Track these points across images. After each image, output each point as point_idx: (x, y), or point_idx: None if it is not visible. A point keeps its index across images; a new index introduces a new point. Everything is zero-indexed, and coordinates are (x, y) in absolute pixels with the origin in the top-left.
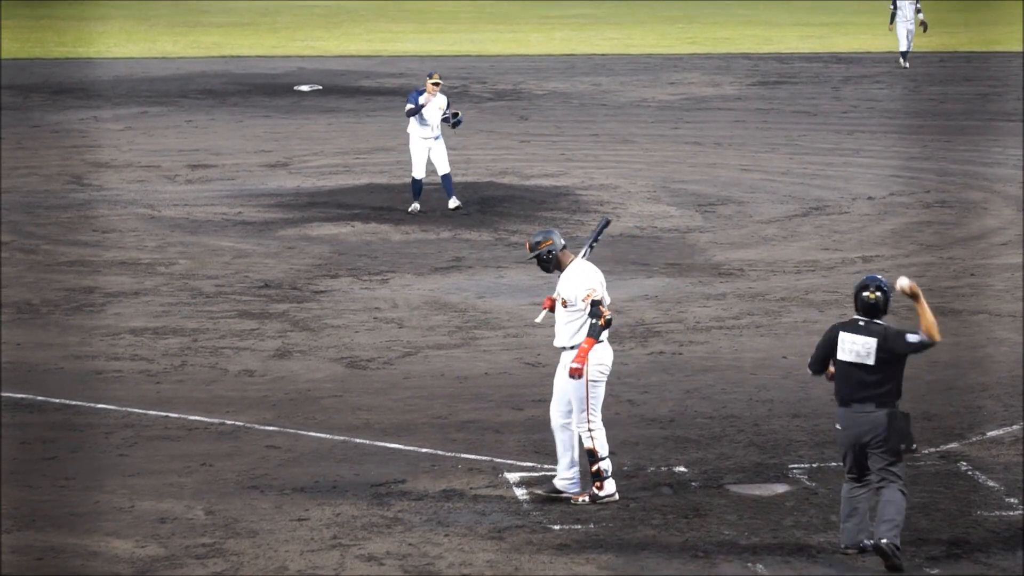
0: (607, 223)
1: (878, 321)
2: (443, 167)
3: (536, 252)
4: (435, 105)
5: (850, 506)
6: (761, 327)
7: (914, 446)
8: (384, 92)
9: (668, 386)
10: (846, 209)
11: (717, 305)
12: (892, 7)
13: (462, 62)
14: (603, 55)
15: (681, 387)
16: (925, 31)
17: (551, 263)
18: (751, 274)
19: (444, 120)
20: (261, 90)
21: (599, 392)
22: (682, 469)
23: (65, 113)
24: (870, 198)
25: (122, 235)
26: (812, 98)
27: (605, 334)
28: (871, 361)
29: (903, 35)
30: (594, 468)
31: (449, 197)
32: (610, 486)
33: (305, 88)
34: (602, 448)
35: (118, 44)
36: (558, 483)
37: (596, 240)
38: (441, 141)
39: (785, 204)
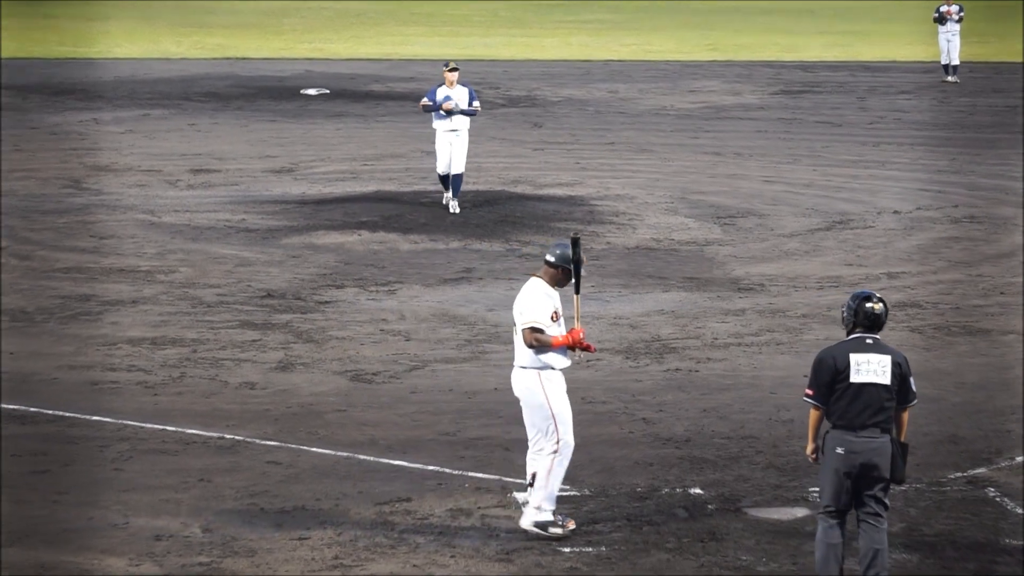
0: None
1: (879, 338)
2: (458, 166)
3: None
4: (455, 97)
5: (826, 551)
6: (782, 344)
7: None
8: (394, 97)
9: (684, 404)
10: (871, 223)
11: (736, 321)
12: (936, 14)
13: (474, 67)
14: (620, 61)
15: (698, 406)
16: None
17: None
18: (772, 289)
19: (464, 113)
20: (267, 93)
21: None
22: (698, 491)
23: (64, 115)
24: (896, 212)
25: (121, 241)
26: (837, 108)
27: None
28: (887, 380)
29: (944, 47)
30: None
31: (452, 198)
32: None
33: (312, 92)
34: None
35: (119, 44)
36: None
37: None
38: (463, 138)
39: (808, 217)
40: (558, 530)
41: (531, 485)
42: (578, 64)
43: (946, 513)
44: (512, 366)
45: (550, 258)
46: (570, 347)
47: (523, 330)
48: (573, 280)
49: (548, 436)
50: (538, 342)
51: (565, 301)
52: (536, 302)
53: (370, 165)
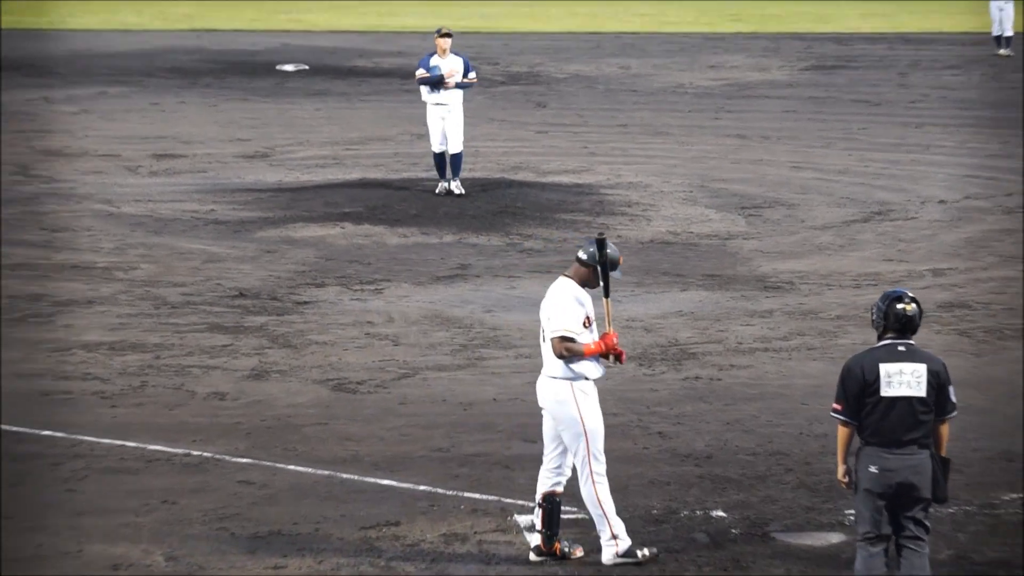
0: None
1: (914, 343)
2: (454, 144)
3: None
4: (447, 67)
5: None
6: (814, 349)
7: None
8: (380, 73)
9: (705, 416)
10: (914, 214)
11: (762, 323)
12: None
13: (471, 40)
14: (633, 33)
15: (720, 418)
16: None
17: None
18: (802, 288)
19: (460, 86)
20: (238, 69)
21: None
22: (720, 514)
23: (10, 93)
24: (942, 202)
25: (75, 234)
26: (875, 85)
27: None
28: (923, 392)
29: (995, 16)
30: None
31: (452, 179)
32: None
33: (289, 68)
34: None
35: (73, 14)
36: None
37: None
38: (456, 114)
39: (842, 208)
40: (645, 551)
41: (539, 506)
42: (586, 37)
43: (1000, 538)
44: (519, 371)
45: (582, 255)
46: (603, 354)
47: (552, 339)
48: (602, 284)
49: (578, 456)
50: (569, 352)
51: (596, 300)
52: (566, 308)
53: (354, 150)
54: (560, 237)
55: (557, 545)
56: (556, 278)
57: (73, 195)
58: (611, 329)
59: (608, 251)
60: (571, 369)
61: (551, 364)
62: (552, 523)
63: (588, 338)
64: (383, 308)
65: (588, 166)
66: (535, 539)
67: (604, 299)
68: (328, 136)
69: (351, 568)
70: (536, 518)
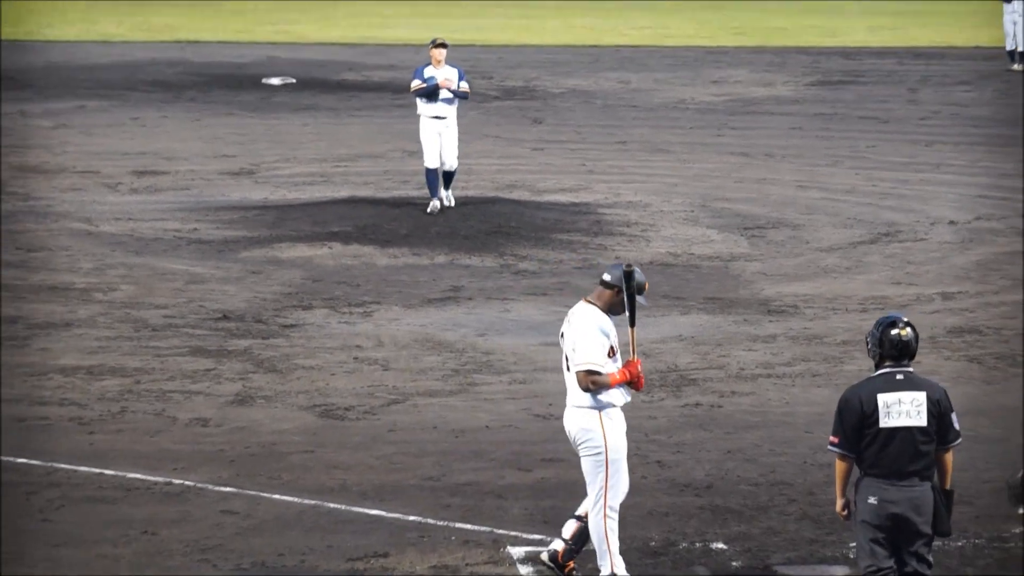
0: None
1: (912, 370)
2: (450, 161)
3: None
4: (442, 78)
5: None
6: (818, 376)
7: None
8: (370, 87)
9: (705, 445)
10: (923, 235)
11: (765, 349)
12: None
13: (464, 53)
14: (633, 47)
15: (721, 446)
16: None
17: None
18: (807, 312)
19: (455, 95)
20: (223, 82)
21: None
22: (721, 546)
23: None
24: (952, 222)
25: (52, 254)
26: (884, 101)
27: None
28: (923, 421)
29: (1009, 29)
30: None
31: (444, 189)
32: None
33: (276, 81)
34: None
35: (51, 24)
36: None
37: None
38: (452, 127)
39: (849, 228)
40: None
41: (576, 518)
42: (584, 50)
43: (1010, 573)
44: (513, 397)
45: (607, 277)
46: (628, 382)
47: (578, 373)
48: (628, 314)
49: (594, 485)
50: (595, 385)
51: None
52: (591, 340)
53: (343, 167)
54: (556, 258)
55: (571, 564)
56: (577, 302)
57: (50, 213)
58: (635, 357)
59: (635, 279)
60: (597, 399)
61: (577, 395)
62: (580, 541)
63: (613, 367)
64: (372, 331)
65: (585, 184)
66: (557, 544)
67: (630, 328)
68: (316, 152)
69: None
70: (568, 528)
